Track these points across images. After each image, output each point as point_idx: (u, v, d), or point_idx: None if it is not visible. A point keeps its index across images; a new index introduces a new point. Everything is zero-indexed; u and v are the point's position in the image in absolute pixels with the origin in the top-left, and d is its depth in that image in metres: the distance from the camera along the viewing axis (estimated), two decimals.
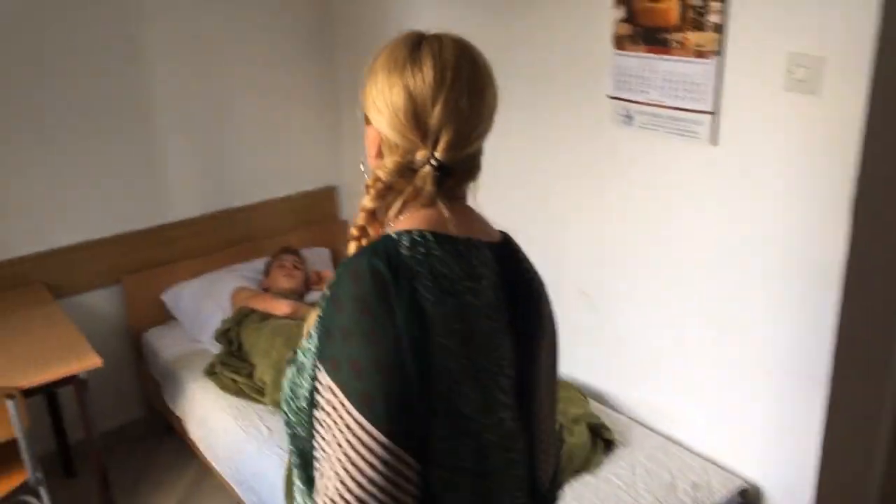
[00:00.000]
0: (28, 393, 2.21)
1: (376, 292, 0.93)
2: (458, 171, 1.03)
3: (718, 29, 1.91)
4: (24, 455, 2.21)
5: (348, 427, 0.91)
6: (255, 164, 3.32)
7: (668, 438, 2.33)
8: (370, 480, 0.91)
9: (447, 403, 0.95)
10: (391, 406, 0.91)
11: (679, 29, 1.99)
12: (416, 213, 1.02)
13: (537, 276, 1.12)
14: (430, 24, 2.71)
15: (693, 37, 1.96)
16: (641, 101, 2.14)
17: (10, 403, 2.12)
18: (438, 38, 1.04)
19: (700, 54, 1.96)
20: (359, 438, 0.91)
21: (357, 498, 0.91)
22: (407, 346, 0.92)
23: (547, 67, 2.43)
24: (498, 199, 2.76)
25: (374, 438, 0.90)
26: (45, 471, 2.47)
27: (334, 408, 0.92)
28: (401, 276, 0.94)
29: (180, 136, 3.10)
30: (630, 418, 2.43)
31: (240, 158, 3.28)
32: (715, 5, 1.89)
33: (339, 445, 0.92)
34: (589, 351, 2.59)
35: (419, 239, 0.98)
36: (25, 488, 2.28)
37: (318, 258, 3.45)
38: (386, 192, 1.03)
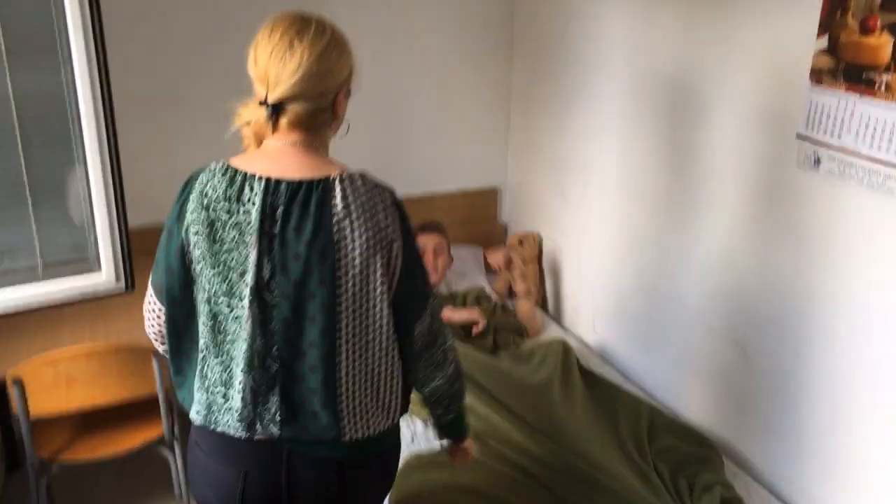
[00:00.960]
0: None
1: (176, 199, 1.43)
2: (286, 112, 1.39)
3: None
4: (162, 412, 2.35)
5: None
6: (422, 158, 3.33)
7: None
8: (146, 309, 1.54)
9: (199, 277, 1.42)
10: (157, 269, 1.47)
11: (888, 69, 1.72)
12: (249, 150, 1.47)
13: (352, 216, 1.39)
14: (610, 30, 2.54)
15: None
16: (833, 145, 1.89)
17: (154, 362, 2.25)
18: (288, 14, 1.43)
19: None
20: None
21: (144, 314, 1.55)
22: (171, 236, 1.42)
23: (733, 92, 2.21)
24: (655, 224, 2.60)
25: (149, 286, 1.50)
26: (187, 421, 2.63)
27: None
28: (184, 191, 1.42)
29: (353, 122, 3.15)
30: (771, 492, 2.18)
31: (407, 151, 3.30)
32: None
33: None
34: (736, 409, 2.36)
35: (213, 169, 1.42)
36: (162, 441, 2.42)
37: (472, 256, 3.41)
38: (246, 127, 1.44)
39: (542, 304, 3.37)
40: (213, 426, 1.46)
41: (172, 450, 2.46)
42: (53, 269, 1.93)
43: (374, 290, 1.42)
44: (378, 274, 1.41)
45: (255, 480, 1.47)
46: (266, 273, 1.38)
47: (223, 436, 1.46)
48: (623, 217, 2.76)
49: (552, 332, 3.09)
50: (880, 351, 1.88)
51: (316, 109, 1.41)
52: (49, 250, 1.93)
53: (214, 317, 1.42)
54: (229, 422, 1.45)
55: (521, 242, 3.32)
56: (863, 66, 1.79)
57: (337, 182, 1.39)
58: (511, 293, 3.35)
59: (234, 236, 1.38)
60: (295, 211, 1.37)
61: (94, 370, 2.17)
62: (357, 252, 1.39)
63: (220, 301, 1.41)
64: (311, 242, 1.37)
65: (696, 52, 2.32)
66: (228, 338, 1.43)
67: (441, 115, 3.33)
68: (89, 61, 1.79)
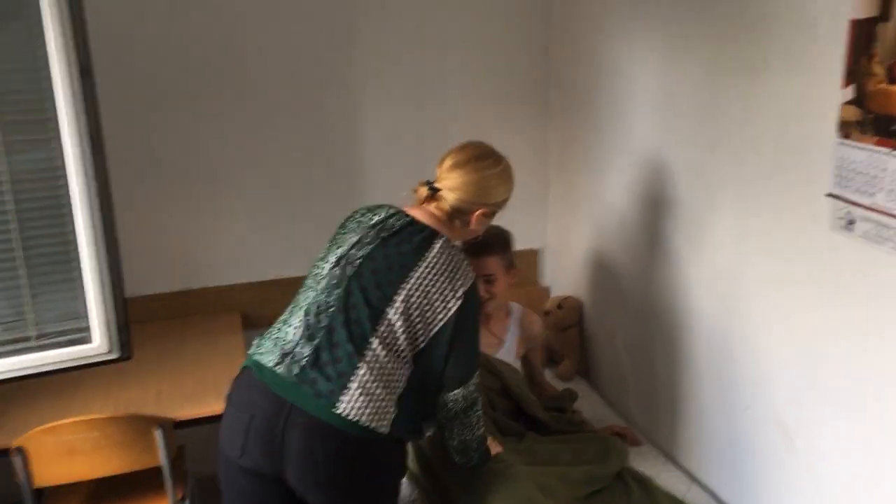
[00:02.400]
0: (183, 423, 2.30)
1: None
2: (438, 197, 1.90)
3: None
4: (167, 484, 2.29)
5: None
6: None
7: None
8: None
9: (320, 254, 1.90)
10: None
11: None
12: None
13: (438, 264, 1.80)
14: (639, 87, 2.42)
15: None
16: (865, 204, 1.69)
17: (158, 433, 2.21)
18: (478, 143, 1.98)
19: None
20: None
21: None
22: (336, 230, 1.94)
23: (756, 149, 2.04)
24: (685, 291, 2.42)
25: None
26: (205, 489, 2.56)
27: None
28: (355, 212, 1.95)
29: (385, 188, 3.11)
30: None
31: None
32: None
33: None
34: (779, 498, 2.12)
35: (384, 206, 1.92)
36: None
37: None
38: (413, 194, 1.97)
39: (585, 372, 3.18)
40: (256, 352, 1.79)
41: None
42: (49, 339, 1.91)
43: (416, 322, 1.76)
44: (427, 315, 1.76)
45: (259, 423, 1.71)
46: (356, 252, 1.80)
47: (249, 383, 1.76)
48: (654, 282, 2.59)
49: (591, 402, 2.90)
50: None
51: (458, 208, 1.89)
52: (45, 320, 1.92)
53: (307, 275, 1.87)
54: (267, 346, 1.78)
55: (560, 307, 3.17)
56: (893, 117, 1.60)
57: (443, 238, 1.84)
58: (552, 358, 3.19)
59: (353, 227, 1.88)
60: (404, 233, 1.83)
61: (95, 440, 2.14)
62: (423, 286, 1.76)
63: (315, 263, 1.87)
64: (402, 254, 1.79)
65: (721, 108, 2.16)
66: (302, 289, 1.86)
67: None
68: (80, 133, 1.80)
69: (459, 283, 1.80)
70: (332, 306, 1.76)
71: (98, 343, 1.93)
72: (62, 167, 1.83)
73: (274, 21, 2.85)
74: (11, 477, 2.17)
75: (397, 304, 1.75)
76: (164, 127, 2.82)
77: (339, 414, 1.68)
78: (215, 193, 2.95)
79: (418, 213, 1.89)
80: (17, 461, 2.11)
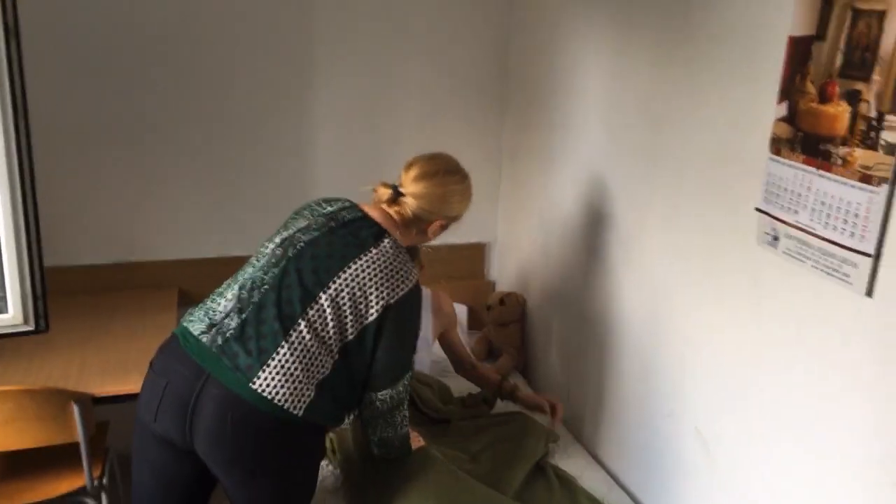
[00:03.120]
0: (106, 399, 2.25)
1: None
2: (401, 202, 1.92)
3: (894, 151, 1.44)
4: (84, 461, 2.25)
5: None
6: None
7: None
8: None
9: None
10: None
11: (845, 142, 1.54)
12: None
13: (380, 262, 1.80)
14: (591, 92, 2.43)
15: (860, 155, 1.50)
16: (789, 221, 1.70)
17: (75, 408, 2.16)
18: (446, 158, 2.01)
19: (865, 178, 1.50)
20: None
21: None
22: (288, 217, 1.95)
23: (695, 161, 2.04)
24: (618, 299, 2.43)
25: None
26: (128, 467, 2.53)
27: None
28: (312, 201, 1.95)
29: (335, 172, 3.09)
30: None
31: None
32: (894, 119, 1.44)
33: None
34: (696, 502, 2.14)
35: (341, 199, 1.95)
36: (86, 491, 2.32)
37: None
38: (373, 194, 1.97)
39: (523, 369, 3.19)
40: (186, 320, 1.81)
41: (98, 499, 2.35)
42: None
43: (347, 313, 1.76)
44: (359, 308, 1.77)
45: (173, 389, 1.71)
46: (301, 236, 1.82)
47: (173, 349, 1.77)
48: (591, 286, 2.59)
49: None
50: (837, 445, 1.67)
51: (417, 216, 1.92)
52: None
53: (254, 255, 1.88)
54: (197, 315, 1.80)
55: (502, 302, 3.17)
56: (820, 136, 1.61)
57: (391, 239, 1.85)
58: (491, 353, 3.19)
59: (306, 213, 1.89)
60: (353, 226, 1.85)
61: (9, 412, 2.08)
62: (359, 278, 1.77)
63: (262, 243, 1.88)
64: (346, 245, 1.80)
65: (664, 118, 2.16)
66: (244, 267, 1.87)
67: None
68: (2, 93, 1.73)
69: (397, 284, 1.80)
70: (266, 284, 1.78)
71: (12, 313, 1.88)
72: None
73: None
74: None
75: (330, 291, 1.76)
76: (102, 94, 2.75)
77: (255, 390, 1.69)
78: (154, 167, 2.89)
79: (373, 212, 1.91)
80: None
